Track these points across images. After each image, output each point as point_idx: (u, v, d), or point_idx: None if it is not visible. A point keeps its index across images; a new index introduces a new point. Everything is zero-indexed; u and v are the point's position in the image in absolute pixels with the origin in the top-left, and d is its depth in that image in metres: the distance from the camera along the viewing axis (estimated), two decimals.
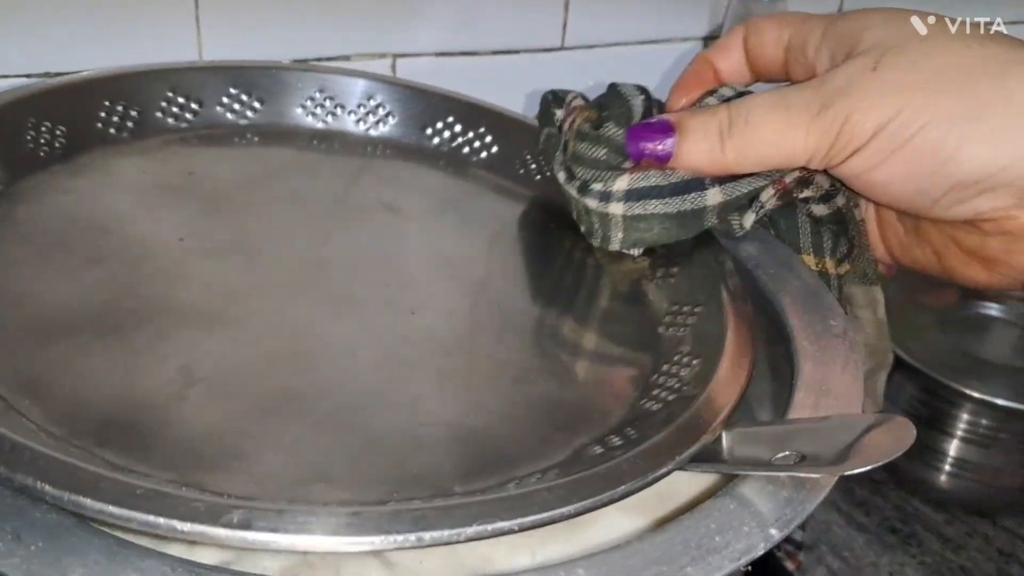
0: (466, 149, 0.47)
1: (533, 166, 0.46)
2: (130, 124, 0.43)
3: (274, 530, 0.23)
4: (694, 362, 0.33)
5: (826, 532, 0.56)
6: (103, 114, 0.43)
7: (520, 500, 0.25)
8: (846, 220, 0.38)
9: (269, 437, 0.28)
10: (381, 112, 0.48)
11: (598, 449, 0.29)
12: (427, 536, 0.24)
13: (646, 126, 0.37)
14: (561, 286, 0.39)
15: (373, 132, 0.48)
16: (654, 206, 0.36)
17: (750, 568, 0.24)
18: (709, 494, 0.30)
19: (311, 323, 0.34)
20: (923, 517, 0.58)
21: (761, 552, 0.25)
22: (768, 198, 0.37)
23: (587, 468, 0.26)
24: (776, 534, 0.25)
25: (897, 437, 0.24)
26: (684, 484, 0.33)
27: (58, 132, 0.41)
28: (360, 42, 0.59)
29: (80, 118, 0.42)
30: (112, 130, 0.43)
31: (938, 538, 0.57)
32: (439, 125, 0.48)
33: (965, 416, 0.57)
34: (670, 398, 0.31)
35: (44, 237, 0.36)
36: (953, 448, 0.58)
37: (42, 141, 0.40)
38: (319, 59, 0.58)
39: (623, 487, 0.26)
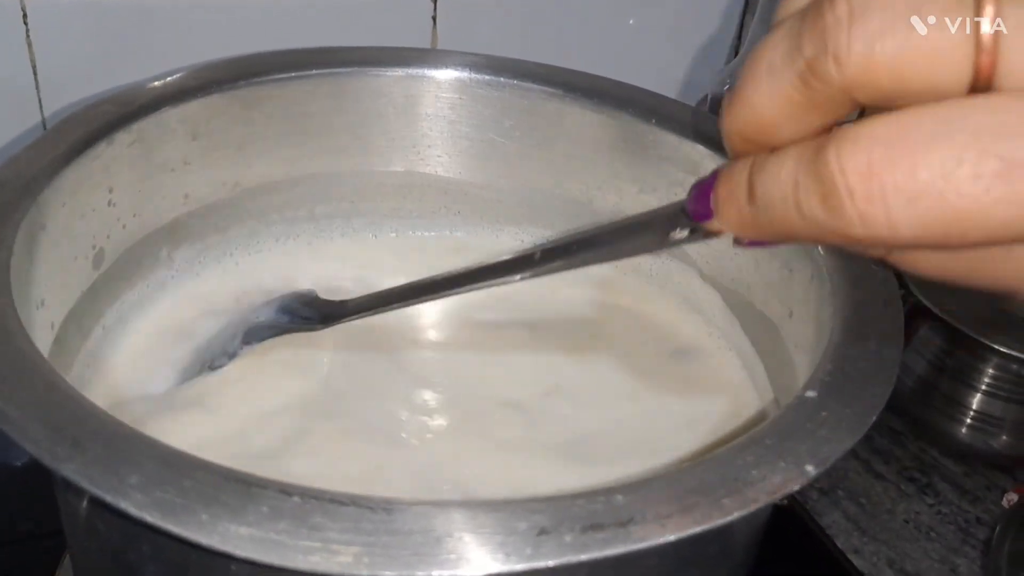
0: None
1: None
2: None
3: None
4: None
5: (844, 479, 0.57)
6: None
7: None
8: None
9: None
10: None
11: None
12: None
13: None
14: None
15: None
16: None
17: (786, 501, 0.24)
18: (741, 432, 0.30)
19: None
20: (942, 468, 0.59)
21: (796, 488, 0.25)
22: None
23: None
24: (812, 471, 0.26)
25: None
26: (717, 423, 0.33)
27: None
28: None
29: None
30: None
31: (955, 489, 0.57)
32: None
33: (990, 370, 0.57)
34: None
35: None
36: (976, 401, 0.58)
37: None
38: None
39: None
